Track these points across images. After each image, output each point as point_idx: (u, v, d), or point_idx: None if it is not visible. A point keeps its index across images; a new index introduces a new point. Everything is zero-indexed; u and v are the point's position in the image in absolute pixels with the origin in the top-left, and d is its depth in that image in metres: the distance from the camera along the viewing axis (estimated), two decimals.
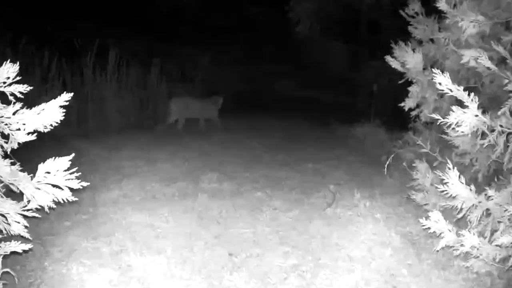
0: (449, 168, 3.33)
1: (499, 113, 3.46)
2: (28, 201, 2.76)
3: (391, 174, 6.02)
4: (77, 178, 2.79)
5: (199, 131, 9.74)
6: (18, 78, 2.63)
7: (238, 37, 16.07)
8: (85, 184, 2.82)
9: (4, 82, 2.61)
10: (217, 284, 3.43)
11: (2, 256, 2.85)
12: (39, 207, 2.81)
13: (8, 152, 2.68)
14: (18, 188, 2.71)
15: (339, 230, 4.43)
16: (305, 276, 3.57)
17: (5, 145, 2.66)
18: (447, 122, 3.36)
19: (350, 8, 12.68)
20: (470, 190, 3.33)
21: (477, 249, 3.31)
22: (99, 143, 7.92)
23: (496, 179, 3.80)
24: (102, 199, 5.08)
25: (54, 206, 2.84)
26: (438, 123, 3.58)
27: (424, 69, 5.11)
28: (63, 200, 2.80)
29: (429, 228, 3.43)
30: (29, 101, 2.74)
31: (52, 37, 10.22)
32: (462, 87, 3.26)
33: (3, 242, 2.83)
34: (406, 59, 5.16)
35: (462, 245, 3.30)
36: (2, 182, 2.69)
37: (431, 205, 4.38)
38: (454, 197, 3.39)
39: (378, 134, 8.69)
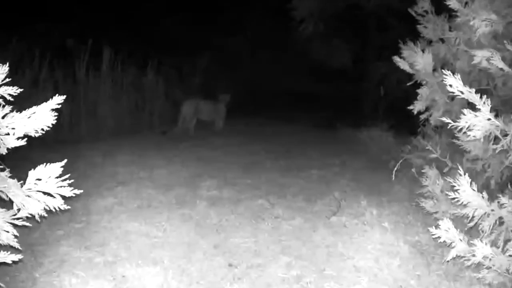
0: (460, 174, 3.33)
1: None
2: (18, 210, 2.77)
3: (399, 180, 6.02)
4: (70, 185, 2.79)
5: (213, 133, 9.89)
6: (7, 79, 2.64)
7: (238, 36, 16.09)
8: (78, 191, 2.82)
9: None
10: None
11: None
12: (29, 216, 2.81)
13: None
14: (7, 196, 2.72)
15: (345, 239, 4.42)
16: None
17: None
18: (458, 126, 3.36)
19: (356, 6, 12.67)
20: (482, 197, 3.32)
21: (490, 259, 3.30)
22: (93, 148, 7.94)
23: (509, 186, 3.80)
24: (96, 207, 5.08)
25: (46, 215, 2.85)
26: (448, 127, 3.57)
27: (434, 70, 5.11)
28: (55, 208, 2.81)
29: (439, 237, 3.42)
30: (19, 104, 2.74)
31: (44, 36, 10.24)
32: (473, 89, 3.26)
33: None
34: (415, 59, 5.16)
35: (473, 255, 3.29)
36: None
37: (441, 213, 4.37)
38: (465, 205, 3.39)
39: (386, 138, 8.67)
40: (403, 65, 5.34)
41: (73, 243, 4.13)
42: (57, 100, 2.71)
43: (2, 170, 2.70)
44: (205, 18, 15.55)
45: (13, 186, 2.69)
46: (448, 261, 3.72)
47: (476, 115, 3.26)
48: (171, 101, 11.60)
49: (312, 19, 13.02)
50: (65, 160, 2.81)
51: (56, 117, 2.72)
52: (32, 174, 2.73)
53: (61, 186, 2.77)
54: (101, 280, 3.53)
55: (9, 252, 2.85)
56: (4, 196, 2.73)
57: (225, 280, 3.62)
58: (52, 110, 2.71)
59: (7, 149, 2.68)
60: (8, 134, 2.65)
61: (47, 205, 2.78)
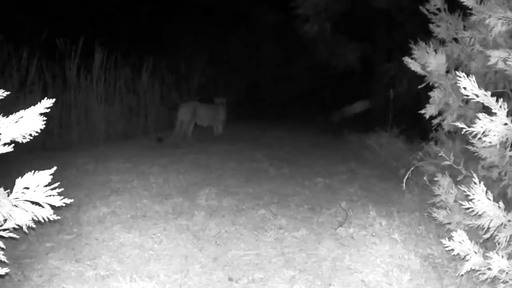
0: (475, 183, 3.33)
1: None
2: (5, 220, 2.77)
3: (410, 189, 6.02)
4: (59, 194, 2.79)
5: (213, 138, 9.90)
6: None
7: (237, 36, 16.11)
8: (68, 201, 2.82)
9: None
10: None
11: None
12: (16, 227, 2.81)
13: None
14: None
15: (352, 252, 4.42)
16: None
17: None
18: (473, 131, 3.36)
19: (364, 3, 12.68)
20: (499, 207, 3.32)
21: (506, 273, 3.29)
22: (84, 154, 7.94)
23: None
24: (87, 217, 5.08)
25: (34, 226, 2.85)
26: (462, 133, 3.57)
27: (447, 72, 5.11)
28: (43, 218, 2.81)
29: (452, 249, 3.42)
30: (6, 108, 2.75)
31: (32, 35, 10.26)
32: (489, 92, 3.26)
33: None
34: (427, 60, 5.16)
35: (489, 268, 3.28)
36: None
37: (455, 224, 4.37)
38: (480, 215, 3.38)
39: (396, 144, 8.68)
40: (414, 66, 5.33)
41: (63, 256, 4.12)
42: (46, 103, 2.72)
43: None
44: (204, 17, 15.57)
45: None
46: (462, 275, 3.71)
47: (492, 120, 3.26)
48: (167, 105, 11.63)
49: (318, 17, 13.02)
50: (55, 168, 2.81)
51: (45, 122, 2.72)
52: (20, 182, 2.73)
53: (50, 195, 2.77)
54: None
55: None
56: None
57: None
58: (41, 114, 2.71)
59: None
60: None
61: (35, 215, 2.78)
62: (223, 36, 15.55)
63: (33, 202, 2.76)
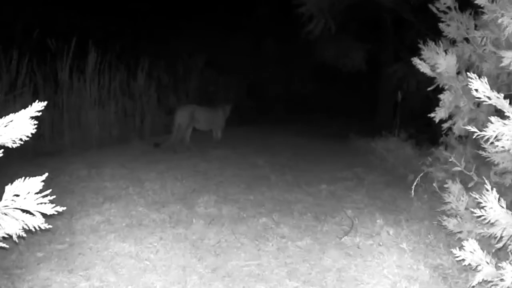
0: (487, 190, 3.32)
1: None
2: None
3: (419, 196, 6.01)
4: (51, 202, 2.79)
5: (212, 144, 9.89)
6: None
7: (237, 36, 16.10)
8: (60, 209, 2.82)
9: None
10: None
11: None
12: (6, 236, 2.81)
13: None
14: None
15: (358, 262, 4.41)
16: None
17: None
18: (485, 136, 3.36)
19: (371, 1, 12.66)
20: None
21: None
22: (77, 160, 7.94)
23: None
24: (80, 226, 5.07)
25: (24, 235, 2.85)
26: (474, 137, 3.57)
27: (458, 73, 5.10)
28: (34, 227, 2.81)
29: (463, 259, 3.41)
30: None
31: (22, 35, 10.27)
32: (502, 95, 3.25)
33: None
34: (437, 61, 5.15)
35: (502, 279, 3.27)
36: None
37: (466, 233, 4.36)
38: (492, 224, 3.38)
39: (404, 149, 8.68)
40: (423, 67, 5.32)
41: (54, 267, 4.12)
42: (37, 106, 2.72)
43: None
44: (203, 16, 15.58)
45: None
46: (473, 287, 3.70)
47: (505, 124, 3.25)
48: (164, 108, 11.63)
49: (322, 15, 13.00)
50: (46, 174, 2.81)
51: (36, 126, 2.72)
52: (9, 189, 2.73)
53: (41, 203, 2.77)
54: None
55: None
56: None
57: None
58: (32, 117, 2.71)
59: None
60: None
61: (25, 224, 2.78)
62: (223, 36, 15.55)
63: (23, 210, 2.76)
